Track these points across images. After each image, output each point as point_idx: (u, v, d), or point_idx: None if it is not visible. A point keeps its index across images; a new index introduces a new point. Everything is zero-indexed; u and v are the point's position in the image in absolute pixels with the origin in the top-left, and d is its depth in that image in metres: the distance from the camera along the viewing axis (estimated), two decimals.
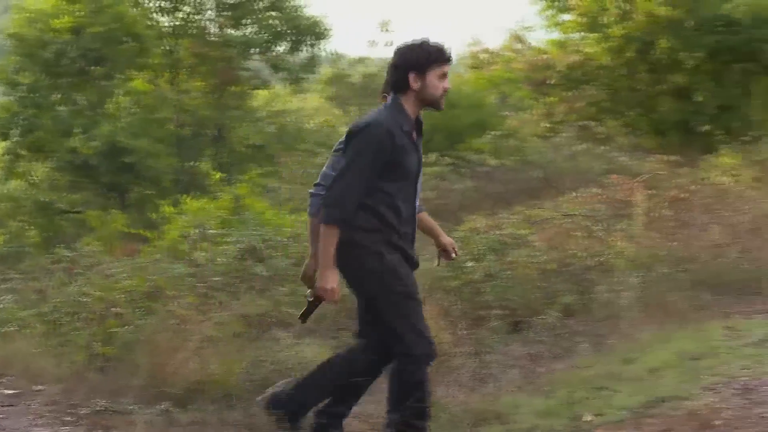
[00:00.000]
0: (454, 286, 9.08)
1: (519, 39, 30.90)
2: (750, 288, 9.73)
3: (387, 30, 39.43)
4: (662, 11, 25.59)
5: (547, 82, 27.31)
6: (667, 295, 8.76)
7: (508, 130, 23.59)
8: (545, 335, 8.31)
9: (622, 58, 26.57)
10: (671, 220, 11.67)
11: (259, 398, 6.03)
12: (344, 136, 5.66)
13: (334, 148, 6.11)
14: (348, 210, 5.40)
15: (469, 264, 9.56)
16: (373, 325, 5.74)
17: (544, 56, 28.38)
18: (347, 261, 5.51)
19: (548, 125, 26.15)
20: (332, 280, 5.46)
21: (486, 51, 31.67)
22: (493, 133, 21.70)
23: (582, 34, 28.71)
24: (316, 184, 6.16)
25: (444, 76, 5.61)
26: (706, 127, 23.39)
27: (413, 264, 5.82)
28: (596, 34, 27.56)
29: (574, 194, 13.36)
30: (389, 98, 5.65)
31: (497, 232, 10.84)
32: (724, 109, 25.18)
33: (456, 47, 32.06)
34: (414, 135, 5.64)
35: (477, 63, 31.77)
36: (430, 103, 5.62)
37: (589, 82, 27.10)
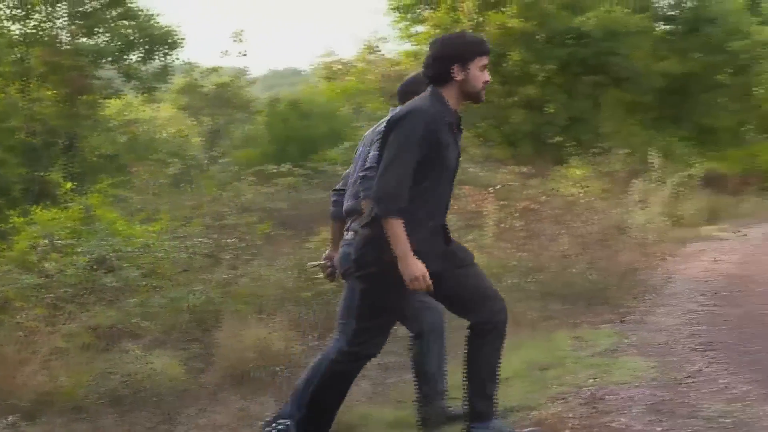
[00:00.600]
0: (306, 297, 8.99)
1: (373, 50, 31.01)
2: (598, 298, 9.88)
3: (240, 40, 39.31)
4: (514, 24, 25.95)
5: None
6: (517, 305, 8.81)
7: None
8: (396, 345, 8.27)
9: None
10: (522, 231, 11.80)
11: None
12: (383, 128, 5.41)
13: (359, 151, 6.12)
14: (403, 199, 5.10)
15: (321, 275, 9.50)
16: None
17: (398, 67, 28.50)
18: (377, 257, 5.21)
19: None
20: (418, 267, 5.09)
21: (339, 62, 31.70)
22: (346, 143, 21.70)
23: None
24: (335, 190, 6.29)
25: (484, 68, 5.47)
26: (557, 139, 23.78)
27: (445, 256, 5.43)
28: None
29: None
30: (428, 90, 5.41)
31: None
32: (575, 120, 25.66)
33: (310, 58, 31.97)
34: (455, 128, 5.42)
35: (330, 74, 31.75)
36: (471, 95, 5.46)
37: None
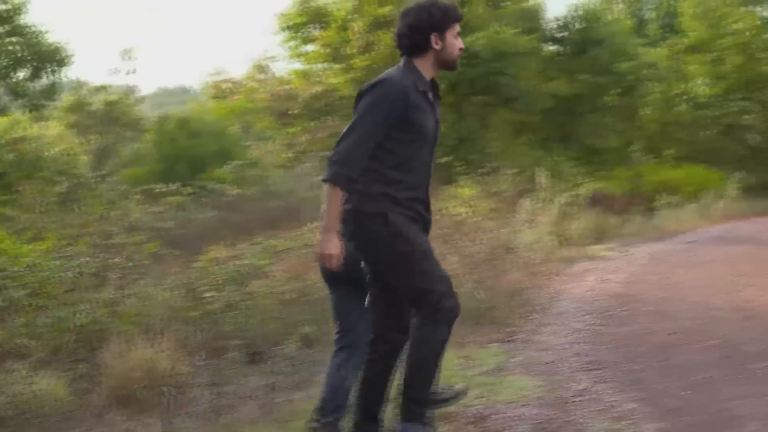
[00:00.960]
0: (193, 316, 8.87)
1: (262, 69, 30.91)
2: (485, 317, 9.88)
3: (130, 58, 38.89)
4: None
5: (290, 112, 27.39)
6: None
7: (250, 160, 23.52)
8: (284, 365, 8.20)
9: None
10: None
11: None
12: (363, 91, 5.21)
13: None
14: (354, 168, 5.01)
15: (209, 294, 9.38)
16: (392, 296, 5.33)
17: (287, 87, 28.46)
18: (355, 231, 5.13)
19: (291, 155, 26.18)
20: (334, 245, 5.03)
21: (229, 81, 31.51)
22: (235, 162, 21.54)
23: (325, 64, 28.95)
24: None
25: (458, 35, 5.39)
26: (446, 159, 23.86)
27: (426, 224, 5.41)
28: (339, 65, 27.81)
29: (314, 224, 13.34)
30: (402, 61, 5.34)
31: (237, 263, 10.71)
32: (464, 140, 25.81)
33: (200, 77, 31.80)
34: (431, 96, 5.33)
35: (220, 93, 31.55)
36: (448, 63, 5.38)
37: (332, 113, 27.30)
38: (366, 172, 5.07)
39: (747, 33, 37.47)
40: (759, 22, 38.05)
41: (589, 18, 30.09)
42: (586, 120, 29.18)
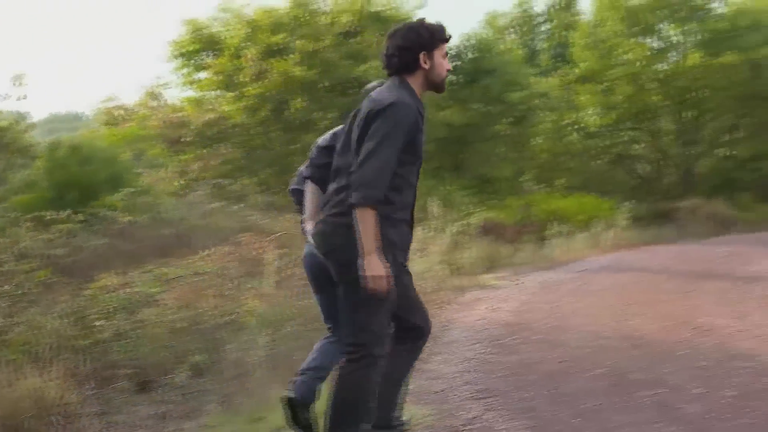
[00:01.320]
0: (83, 345, 8.73)
1: (155, 96, 30.69)
2: None
3: (21, 83, 38.20)
4: (297, 72, 26.03)
5: (183, 139, 27.21)
6: (296, 353, 8.73)
7: (142, 187, 23.25)
8: (174, 394, 8.11)
9: (257, 117, 26.83)
10: (302, 279, 11.70)
11: None
12: (363, 117, 5.30)
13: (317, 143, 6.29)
14: (382, 189, 5.08)
15: (99, 323, 9.27)
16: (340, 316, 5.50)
17: (180, 114, 28.28)
18: (345, 245, 5.17)
19: (183, 183, 25.99)
20: (380, 267, 5.05)
21: (121, 107, 31.20)
22: (127, 190, 21.27)
23: (218, 92, 28.85)
24: (294, 188, 6.71)
25: (446, 55, 5.56)
26: None
27: (409, 244, 5.55)
28: (232, 93, 27.72)
29: (206, 252, 13.25)
30: (394, 80, 5.45)
31: (128, 291, 10.59)
32: None
33: (92, 103, 31.40)
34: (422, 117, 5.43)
35: (112, 119, 31.22)
36: (436, 84, 5.53)
37: (224, 141, 27.20)
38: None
39: (637, 63, 38.20)
40: (649, 53, 38.79)
41: (481, 48, 30.38)
42: (478, 149, 29.41)
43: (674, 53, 40.57)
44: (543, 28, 50.34)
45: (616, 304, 13.60)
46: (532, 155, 34.25)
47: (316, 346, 6.56)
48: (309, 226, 6.06)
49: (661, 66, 40.17)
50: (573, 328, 11.54)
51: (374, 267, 5.03)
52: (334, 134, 6.20)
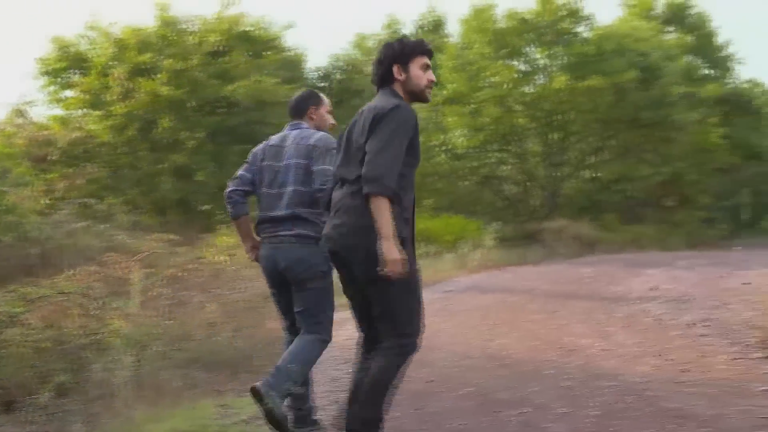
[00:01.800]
0: None
1: (21, 114, 30.17)
2: (244, 365, 9.86)
3: None
4: (164, 91, 25.86)
5: (49, 158, 26.79)
6: (162, 373, 8.70)
7: (6, 206, 22.81)
8: (38, 415, 8.00)
9: (124, 136, 26.58)
10: (168, 299, 11.66)
11: None
12: (369, 122, 5.61)
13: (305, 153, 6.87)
14: (395, 180, 5.38)
15: None
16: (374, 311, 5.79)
17: (46, 132, 27.85)
18: (366, 243, 5.43)
19: (49, 201, 25.57)
20: (397, 251, 5.32)
21: None
22: None
23: (84, 110, 28.50)
24: (235, 189, 7.10)
25: (427, 67, 5.91)
26: (207, 207, 23.77)
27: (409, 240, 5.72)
28: (99, 112, 27.42)
29: (72, 272, 13.08)
30: (384, 91, 5.86)
31: None
32: (224, 188, 25.69)
33: None
34: None
35: None
36: (416, 94, 5.88)
37: (91, 160, 26.86)
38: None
39: (504, 86, 38.72)
40: (516, 76, 39.38)
41: (350, 68, 30.55)
42: None
43: (541, 76, 41.28)
44: None
45: (483, 324, 13.78)
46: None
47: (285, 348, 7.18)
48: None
49: (528, 89, 40.83)
50: (440, 347, 11.65)
51: (392, 251, 5.30)
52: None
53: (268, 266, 7.01)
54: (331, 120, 7.46)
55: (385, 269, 5.32)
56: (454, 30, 61.44)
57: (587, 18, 40.63)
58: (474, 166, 42.36)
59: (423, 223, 29.53)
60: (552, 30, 39.51)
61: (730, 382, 9.34)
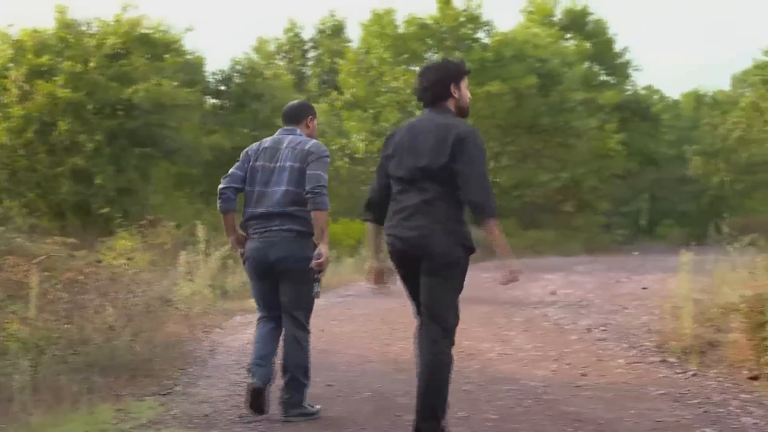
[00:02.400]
0: None
1: None
2: (142, 370, 9.80)
3: None
4: (63, 93, 25.57)
5: None
6: (60, 377, 8.63)
7: None
8: None
9: (22, 139, 26.18)
10: (66, 303, 11.54)
11: None
12: (451, 140, 6.33)
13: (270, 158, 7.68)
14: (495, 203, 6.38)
15: None
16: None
17: None
18: (446, 244, 6.40)
19: None
20: (517, 264, 6.47)
21: None
22: None
23: None
24: (227, 187, 7.75)
25: (467, 85, 6.77)
26: (106, 210, 23.55)
27: None
28: None
29: None
30: (438, 109, 6.57)
31: None
32: (124, 192, 25.53)
33: None
34: None
35: None
36: (464, 110, 6.69)
37: None
38: (459, 203, 6.39)
39: (404, 91, 38.91)
40: None
41: (249, 72, 30.48)
42: None
43: None
44: (312, 54, 50.83)
45: (382, 328, 13.88)
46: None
47: (259, 335, 7.91)
48: None
49: None
50: (340, 352, 11.72)
51: (515, 265, 6.44)
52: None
53: (257, 258, 7.63)
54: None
55: (513, 280, 6.50)
56: (354, 35, 61.74)
57: (487, 24, 41.09)
58: (374, 170, 42.42)
59: None
60: (452, 35, 39.86)
61: (628, 385, 9.57)
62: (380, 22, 40.23)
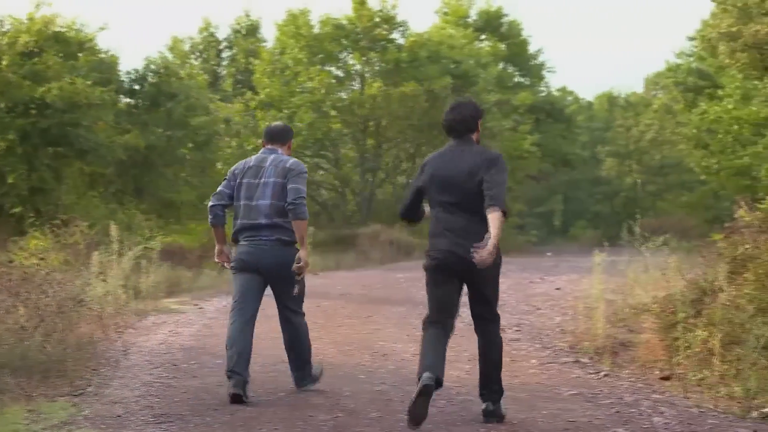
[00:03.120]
0: None
1: None
2: (54, 370, 9.70)
3: None
4: None
5: None
6: None
7: None
8: None
9: None
10: None
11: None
12: (483, 164, 7.69)
13: (279, 173, 8.80)
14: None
15: None
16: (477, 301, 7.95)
17: None
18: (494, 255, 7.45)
19: None
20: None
21: None
22: None
23: None
24: (218, 204, 9.04)
25: None
26: (18, 210, 23.26)
27: None
28: None
29: None
30: (468, 140, 8.00)
31: None
32: (36, 191, 25.23)
33: None
34: None
35: None
36: (478, 142, 8.15)
37: None
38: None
39: (319, 91, 38.89)
40: (331, 81, 39.58)
41: (164, 71, 30.26)
42: (161, 173, 29.21)
43: (356, 82, 41.65)
44: (226, 54, 50.60)
45: None
46: (215, 180, 34.31)
47: (235, 333, 8.97)
48: None
49: (343, 94, 41.12)
50: (254, 352, 11.63)
51: (493, 248, 7.33)
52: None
53: (248, 260, 8.88)
54: None
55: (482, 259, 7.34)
56: (269, 35, 61.55)
57: (402, 25, 41.15)
58: None
59: None
60: (367, 36, 39.88)
61: (541, 386, 9.69)
62: (295, 23, 40.14)
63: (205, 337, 13.08)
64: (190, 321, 14.93)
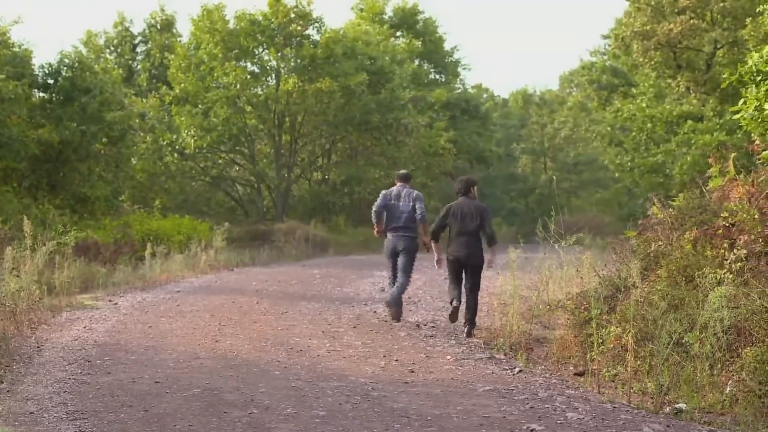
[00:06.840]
0: None
1: None
2: None
3: None
4: None
5: None
6: None
7: None
8: None
9: None
10: None
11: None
12: (479, 212, 13.65)
13: (411, 201, 14.71)
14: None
15: None
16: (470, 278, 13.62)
17: None
18: (479, 258, 13.51)
19: None
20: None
21: None
22: None
23: None
24: (381, 207, 14.75)
25: None
26: None
27: None
28: None
29: None
30: (467, 197, 13.73)
31: None
32: None
33: None
34: None
35: None
36: (474, 196, 13.86)
37: None
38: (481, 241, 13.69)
39: (234, 87, 38.73)
40: (246, 77, 39.41)
41: (78, 66, 29.94)
42: (75, 168, 28.88)
43: (271, 78, 41.54)
44: (141, 49, 50.18)
45: (212, 324, 13.87)
46: (131, 175, 34.06)
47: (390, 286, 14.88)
48: None
49: (259, 90, 40.99)
50: (168, 348, 11.68)
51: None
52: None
53: (390, 246, 14.55)
54: None
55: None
56: (184, 29, 61.08)
57: (317, 21, 41.10)
58: (204, 166, 42.28)
59: (152, 224, 29.30)
60: (282, 32, 39.79)
61: (456, 382, 9.80)
62: (210, 18, 39.89)
63: (119, 333, 13.02)
64: (104, 317, 14.83)
